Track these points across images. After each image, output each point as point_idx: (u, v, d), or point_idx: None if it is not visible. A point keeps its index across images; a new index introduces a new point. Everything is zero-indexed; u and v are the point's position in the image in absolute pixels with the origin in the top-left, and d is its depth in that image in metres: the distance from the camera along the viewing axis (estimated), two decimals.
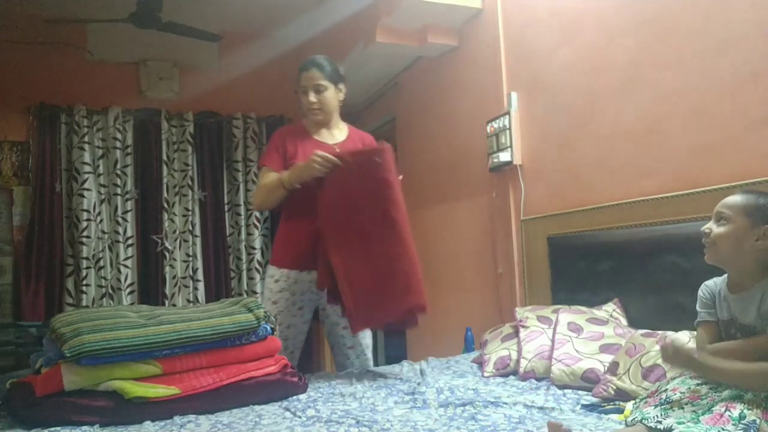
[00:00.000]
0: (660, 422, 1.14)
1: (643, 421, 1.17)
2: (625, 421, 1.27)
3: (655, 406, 1.21)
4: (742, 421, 1.09)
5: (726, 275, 1.38)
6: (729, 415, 1.11)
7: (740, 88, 1.81)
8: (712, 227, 1.34)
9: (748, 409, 1.11)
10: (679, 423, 1.12)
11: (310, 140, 2.25)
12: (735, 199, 1.33)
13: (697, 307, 1.41)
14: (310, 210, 2.08)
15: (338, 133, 2.32)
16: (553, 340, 1.93)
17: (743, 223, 1.29)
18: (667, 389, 1.27)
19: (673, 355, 1.25)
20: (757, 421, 1.09)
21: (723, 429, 1.08)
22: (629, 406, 1.42)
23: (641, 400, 1.31)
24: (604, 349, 1.82)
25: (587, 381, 1.74)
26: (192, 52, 4.26)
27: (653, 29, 2.11)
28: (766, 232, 1.26)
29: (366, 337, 2.32)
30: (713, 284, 1.41)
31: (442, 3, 3.00)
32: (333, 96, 2.24)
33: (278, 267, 2.21)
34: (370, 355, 2.35)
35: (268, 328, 1.83)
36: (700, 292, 1.41)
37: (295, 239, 2.20)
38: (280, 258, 2.23)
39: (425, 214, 3.71)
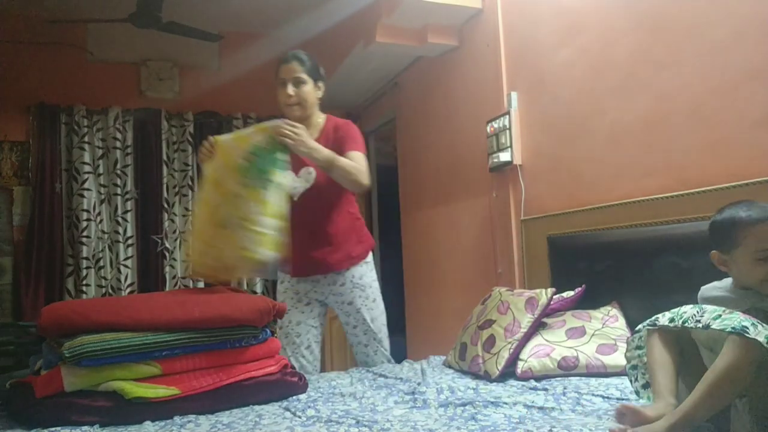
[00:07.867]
0: (698, 321, 1.13)
1: (685, 324, 1.15)
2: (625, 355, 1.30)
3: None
4: None
5: (727, 279, 1.37)
6: None
7: (740, 88, 1.81)
8: None
9: None
10: (715, 318, 1.11)
11: None
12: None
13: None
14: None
15: (314, 132, 2.22)
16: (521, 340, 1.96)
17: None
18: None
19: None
20: None
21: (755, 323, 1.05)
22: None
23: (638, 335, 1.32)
24: (570, 334, 1.95)
25: (564, 369, 1.85)
26: (192, 52, 4.26)
27: (653, 29, 2.11)
28: (713, 256, 1.31)
29: (380, 332, 2.33)
30: (712, 287, 1.39)
31: (442, 3, 3.00)
32: (311, 91, 2.19)
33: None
34: (387, 346, 2.36)
35: (269, 332, 1.83)
36: (716, 293, 1.36)
37: None
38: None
39: (425, 213, 3.71)
